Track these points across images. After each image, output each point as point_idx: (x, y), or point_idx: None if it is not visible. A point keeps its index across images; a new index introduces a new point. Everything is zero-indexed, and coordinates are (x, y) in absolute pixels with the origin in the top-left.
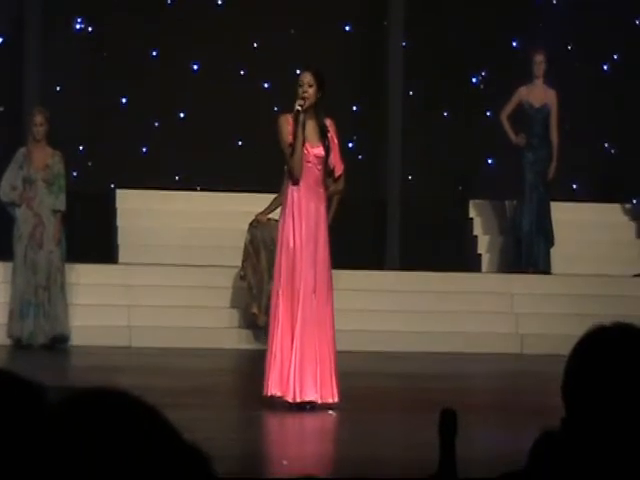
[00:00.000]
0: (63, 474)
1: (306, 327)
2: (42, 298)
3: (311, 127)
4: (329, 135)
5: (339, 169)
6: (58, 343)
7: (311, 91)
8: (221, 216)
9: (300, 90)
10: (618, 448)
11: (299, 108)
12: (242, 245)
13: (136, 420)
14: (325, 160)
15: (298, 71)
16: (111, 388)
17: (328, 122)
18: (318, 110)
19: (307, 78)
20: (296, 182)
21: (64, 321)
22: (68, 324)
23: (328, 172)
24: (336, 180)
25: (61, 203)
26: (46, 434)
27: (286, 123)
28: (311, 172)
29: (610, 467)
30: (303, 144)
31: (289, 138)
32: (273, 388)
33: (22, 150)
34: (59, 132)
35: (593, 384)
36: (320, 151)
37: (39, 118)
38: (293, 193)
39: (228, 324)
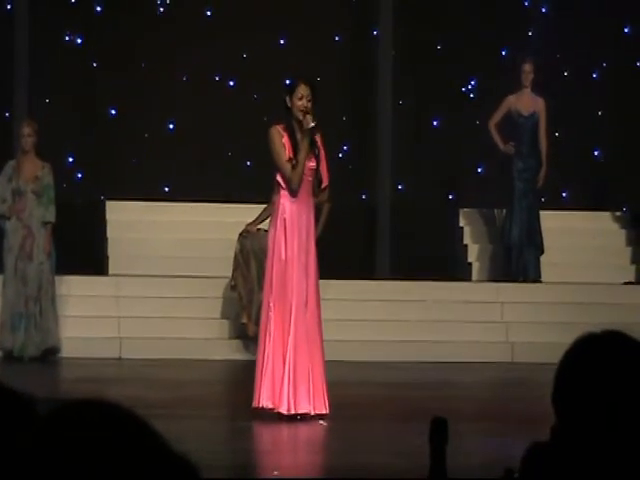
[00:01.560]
0: None
1: (298, 339)
2: (32, 310)
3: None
4: (318, 146)
5: (325, 180)
6: (49, 355)
7: (310, 105)
8: (211, 227)
9: (300, 104)
10: (609, 455)
11: (314, 124)
12: (232, 255)
13: (125, 431)
14: (316, 171)
15: (288, 81)
16: (100, 399)
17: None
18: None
19: (307, 92)
20: (295, 194)
21: (55, 333)
22: (59, 336)
23: (317, 182)
24: (322, 191)
25: (51, 215)
26: (35, 446)
27: (279, 135)
28: (304, 183)
29: (601, 474)
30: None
31: (285, 151)
32: (265, 400)
33: (11, 163)
34: (48, 144)
35: (583, 391)
36: (312, 162)
37: (27, 129)
38: (285, 204)
39: (218, 335)
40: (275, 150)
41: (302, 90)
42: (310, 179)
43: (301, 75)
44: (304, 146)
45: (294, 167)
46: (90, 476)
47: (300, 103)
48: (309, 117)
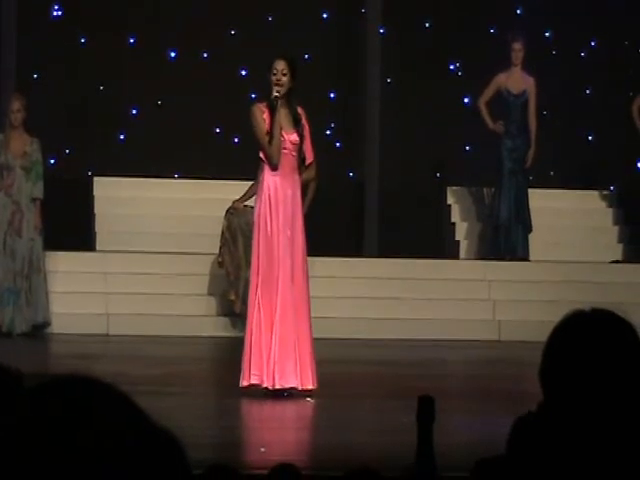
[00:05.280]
0: (36, 461)
1: (286, 314)
2: (21, 286)
3: (284, 114)
4: (302, 122)
5: (310, 157)
6: (39, 330)
7: (285, 79)
8: (198, 203)
9: (274, 78)
10: (595, 431)
11: (277, 95)
12: (219, 232)
13: (108, 406)
14: (300, 146)
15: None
16: (82, 375)
17: (300, 110)
18: (291, 98)
19: (281, 66)
20: (275, 169)
21: (46, 309)
22: (49, 311)
23: (301, 159)
24: (307, 168)
25: (39, 191)
26: (18, 420)
27: (260, 112)
28: (287, 159)
29: (587, 449)
30: (281, 131)
31: (265, 126)
32: (253, 377)
33: None
34: (36, 119)
35: (571, 368)
36: (295, 137)
37: (16, 104)
38: (269, 180)
39: (206, 312)
40: (255, 126)
41: (276, 65)
42: (294, 154)
43: (282, 52)
44: (275, 119)
45: (269, 141)
46: (72, 450)
47: (273, 77)
48: (275, 88)
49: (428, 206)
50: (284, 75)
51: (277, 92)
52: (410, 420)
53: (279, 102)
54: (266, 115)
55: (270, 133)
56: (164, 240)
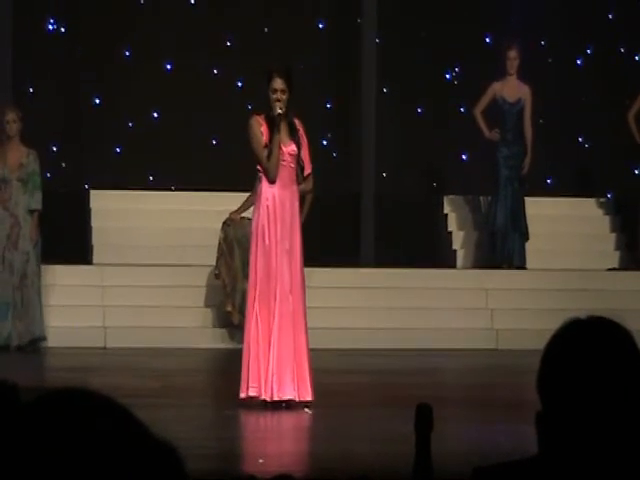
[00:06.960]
0: (35, 474)
1: (283, 326)
2: (17, 299)
3: (282, 126)
4: (299, 133)
5: (308, 168)
6: (35, 344)
7: (285, 97)
8: (195, 215)
9: (274, 97)
10: (595, 439)
11: (280, 112)
12: (216, 244)
13: (106, 419)
14: (297, 156)
15: (265, 71)
16: (81, 388)
17: (297, 121)
18: (288, 108)
19: (280, 85)
20: (272, 182)
21: (40, 322)
22: (44, 325)
23: (300, 167)
24: (305, 179)
25: (37, 202)
26: (15, 434)
27: (257, 124)
28: (285, 170)
29: (587, 456)
30: (279, 146)
31: (263, 139)
32: (251, 389)
33: None
34: (33, 132)
35: (569, 376)
36: (293, 149)
37: (11, 115)
38: (268, 191)
39: (203, 323)
40: (253, 139)
41: (275, 84)
42: (293, 166)
43: (275, 66)
44: (275, 135)
45: (268, 156)
46: (72, 463)
47: (274, 97)
48: (277, 104)
49: (425, 215)
50: (284, 93)
51: (280, 109)
52: (408, 429)
53: (280, 117)
54: (264, 128)
55: (269, 147)
56: (161, 252)
